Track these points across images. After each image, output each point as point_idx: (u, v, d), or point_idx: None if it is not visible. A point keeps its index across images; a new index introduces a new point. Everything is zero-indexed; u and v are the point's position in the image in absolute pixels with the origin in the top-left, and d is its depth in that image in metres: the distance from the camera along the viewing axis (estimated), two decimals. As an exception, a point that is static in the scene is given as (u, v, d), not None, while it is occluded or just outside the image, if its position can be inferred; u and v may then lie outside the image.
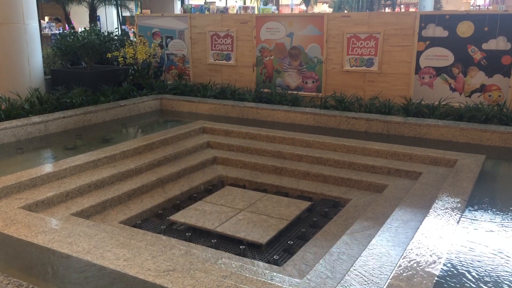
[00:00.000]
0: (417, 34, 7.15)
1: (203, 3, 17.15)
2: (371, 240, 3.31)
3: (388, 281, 2.66)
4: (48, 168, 4.80)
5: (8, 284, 2.36)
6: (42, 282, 2.77)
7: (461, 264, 3.04)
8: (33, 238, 3.26)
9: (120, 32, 12.45)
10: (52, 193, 4.31)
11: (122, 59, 8.98)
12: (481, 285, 2.81)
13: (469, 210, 3.86)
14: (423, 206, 3.94)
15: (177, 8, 22.35)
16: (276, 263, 3.57)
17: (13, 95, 7.05)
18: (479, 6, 26.21)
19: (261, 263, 3.48)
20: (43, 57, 8.70)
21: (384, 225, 3.58)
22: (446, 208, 3.72)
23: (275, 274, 3.08)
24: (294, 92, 8.07)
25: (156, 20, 9.63)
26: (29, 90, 7.44)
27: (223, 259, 3.35)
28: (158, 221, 4.52)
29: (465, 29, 6.88)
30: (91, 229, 3.54)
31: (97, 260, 2.92)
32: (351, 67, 7.71)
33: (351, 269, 2.89)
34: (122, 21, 14.68)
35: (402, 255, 2.97)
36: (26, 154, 5.57)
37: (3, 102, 6.71)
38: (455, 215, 3.61)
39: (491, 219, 3.76)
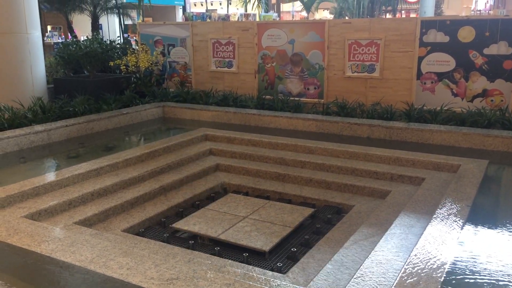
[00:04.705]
0: (418, 40, 7.16)
1: (204, 11, 17.23)
2: (375, 247, 3.30)
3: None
4: (51, 177, 4.81)
5: (11, 294, 2.36)
6: (45, 291, 2.77)
7: (465, 271, 3.02)
8: (36, 247, 3.26)
9: (122, 41, 12.51)
10: (55, 202, 4.31)
11: (124, 67, 9.02)
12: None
13: (473, 215, 3.84)
14: (427, 212, 3.92)
15: (179, 16, 22.44)
16: (280, 270, 3.56)
17: (16, 104, 7.08)
18: (480, 11, 26.25)
19: (264, 271, 3.46)
20: (45, 66, 8.74)
21: (387, 231, 3.57)
22: (450, 214, 3.71)
23: (278, 282, 3.07)
24: (296, 98, 8.08)
25: (158, 28, 9.68)
26: (32, 99, 7.48)
27: (226, 267, 3.34)
28: (161, 229, 4.51)
29: (466, 34, 6.89)
30: (94, 238, 3.54)
31: (100, 269, 2.92)
32: (352, 73, 7.72)
33: (355, 276, 2.88)
34: (124, 29, 14.76)
35: (406, 261, 2.95)
36: (29, 163, 5.59)
37: (6, 111, 6.74)
38: (459, 220, 3.60)
39: (494, 225, 3.74)
